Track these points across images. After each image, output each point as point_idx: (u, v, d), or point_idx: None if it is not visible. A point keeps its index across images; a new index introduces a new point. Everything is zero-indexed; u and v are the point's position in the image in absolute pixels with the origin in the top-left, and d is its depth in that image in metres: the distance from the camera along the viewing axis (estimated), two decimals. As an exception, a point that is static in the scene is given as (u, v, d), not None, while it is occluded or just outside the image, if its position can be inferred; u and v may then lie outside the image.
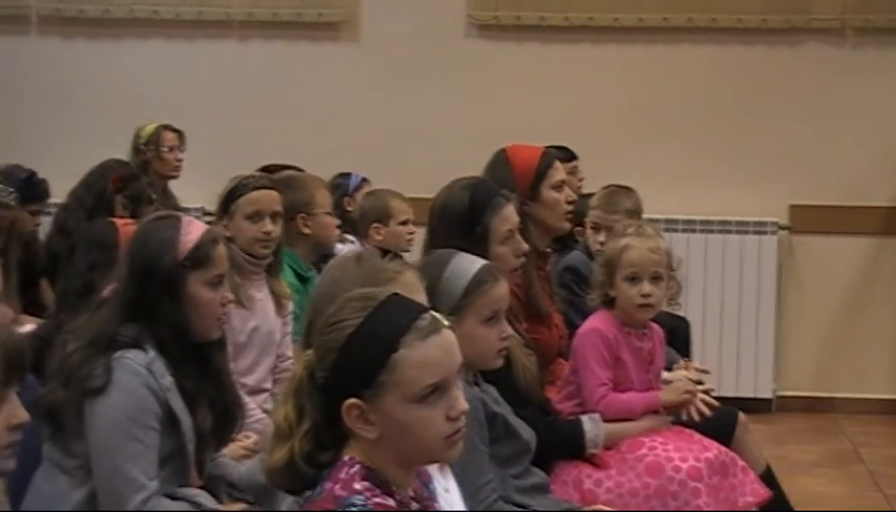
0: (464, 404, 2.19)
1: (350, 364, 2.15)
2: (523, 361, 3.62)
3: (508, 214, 3.92)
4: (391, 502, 2.14)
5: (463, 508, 2.81)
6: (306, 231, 4.74)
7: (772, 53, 7.35)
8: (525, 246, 3.95)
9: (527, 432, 3.39)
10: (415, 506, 2.21)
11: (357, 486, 2.13)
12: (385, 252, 2.95)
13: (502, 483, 3.26)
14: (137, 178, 5.71)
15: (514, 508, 3.26)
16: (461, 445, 2.22)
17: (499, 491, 3.21)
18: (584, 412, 3.83)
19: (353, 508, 2.09)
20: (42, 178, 5.61)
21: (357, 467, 2.16)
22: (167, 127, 6.81)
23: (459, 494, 2.84)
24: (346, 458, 2.18)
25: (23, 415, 2.25)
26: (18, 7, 7.71)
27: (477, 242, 3.78)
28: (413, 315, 2.18)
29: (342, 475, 2.15)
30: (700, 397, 3.93)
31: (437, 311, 2.27)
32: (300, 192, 4.76)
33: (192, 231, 3.25)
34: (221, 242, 3.33)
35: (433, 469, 2.67)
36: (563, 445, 3.76)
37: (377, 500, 2.12)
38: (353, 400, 2.13)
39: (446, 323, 2.21)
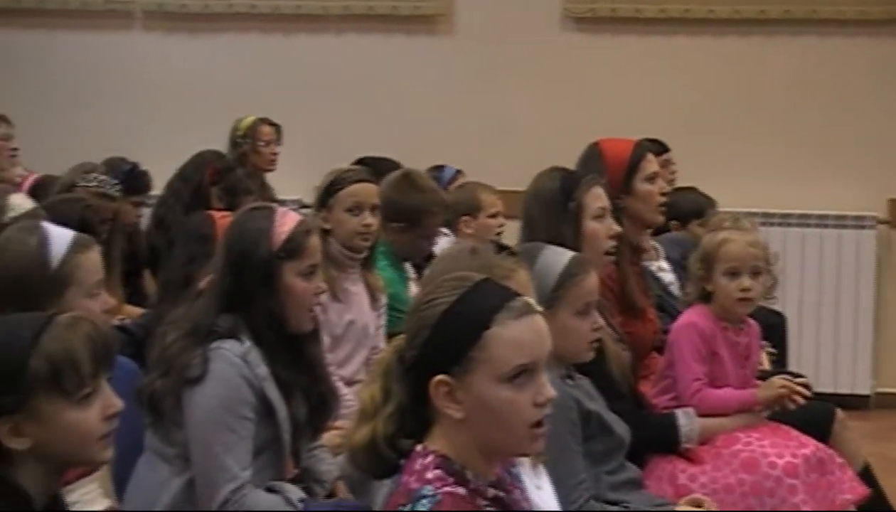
0: (551, 392, 2.19)
1: (442, 339, 2.18)
2: (616, 353, 3.62)
3: (600, 193, 3.94)
4: (462, 491, 2.15)
5: (556, 507, 2.82)
6: (401, 238, 4.74)
7: (872, 45, 7.22)
8: (617, 227, 3.95)
9: (621, 428, 3.38)
10: (492, 493, 2.22)
11: (429, 475, 2.15)
12: (502, 248, 2.96)
13: (595, 481, 3.26)
14: (233, 170, 5.76)
15: (607, 508, 3.26)
16: (543, 442, 2.23)
17: (591, 491, 3.21)
18: (678, 407, 3.82)
19: (423, 501, 2.11)
20: (144, 170, 5.69)
21: (430, 458, 2.18)
22: (264, 121, 6.88)
23: (553, 492, 2.85)
24: (419, 448, 2.20)
25: (117, 403, 2.29)
26: (123, 3, 7.84)
27: (570, 219, 3.81)
28: (506, 296, 2.21)
29: (416, 466, 2.18)
30: (796, 389, 3.89)
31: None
32: (416, 203, 4.74)
33: (286, 222, 3.28)
34: (314, 233, 3.36)
35: (525, 467, 2.69)
36: (657, 439, 3.75)
37: (447, 489, 2.13)
38: (441, 376, 2.16)
39: (538, 308, 2.23)
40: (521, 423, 2.17)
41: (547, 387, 2.19)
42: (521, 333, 2.17)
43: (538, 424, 2.18)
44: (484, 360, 2.15)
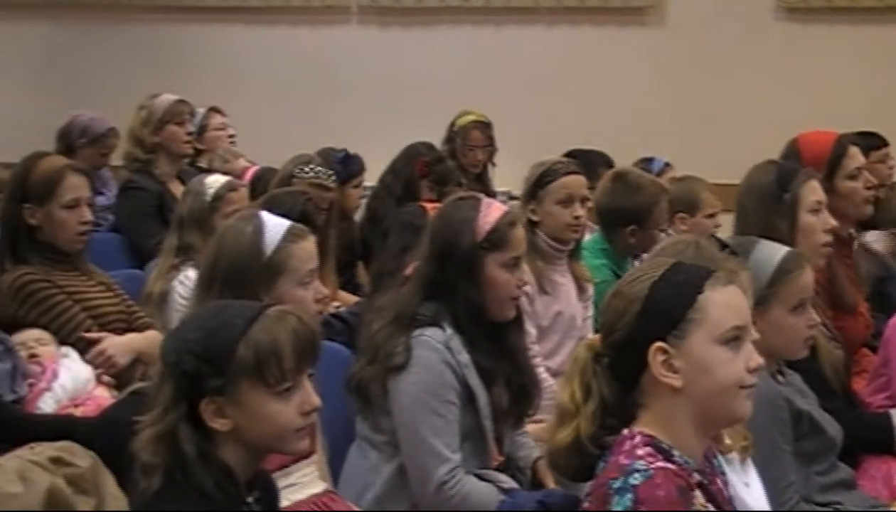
0: (759, 359, 2.25)
1: (658, 307, 2.23)
2: (828, 350, 3.56)
3: (816, 186, 3.86)
4: (674, 467, 2.17)
5: (766, 506, 2.79)
6: (630, 241, 4.65)
7: None
8: (833, 222, 3.86)
9: (833, 427, 3.31)
10: (697, 478, 2.22)
11: (640, 451, 2.18)
12: (723, 245, 2.94)
13: (806, 482, 3.20)
14: (442, 161, 5.82)
15: (817, 510, 3.20)
16: (751, 405, 2.27)
17: (801, 492, 3.16)
18: (893, 406, 3.72)
19: (636, 474, 2.13)
20: (355, 153, 5.80)
21: (639, 438, 2.21)
22: (478, 124, 6.85)
23: (763, 491, 2.82)
24: (625, 432, 2.22)
25: (315, 401, 2.35)
26: (340, -2, 8.05)
27: (785, 212, 3.76)
28: (711, 267, 2.30)
29: (625, 447, 2.20)
30: None
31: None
32: (640, 203, 4.65)
33: (491, 213, 3.30)
34: (519, 225, 3.37)
35: (734, 464, 2.67)
36: (871, 440, 3.66)
37: (660, 464, 2.15)
38: (659, 344, 2.21)
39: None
40: (736, 383, 2.23)
41: (755, 353, 2.26)
42: (732, 297, 2.25)
43: (750, 386, 2.24)
44: (701, 321, 2.21)
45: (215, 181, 4.51)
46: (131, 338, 3.94)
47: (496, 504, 3.18)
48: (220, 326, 2.29)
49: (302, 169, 5.03)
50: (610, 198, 4.65)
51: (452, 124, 6.84)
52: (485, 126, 6.83)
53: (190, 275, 4.26)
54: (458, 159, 6.74)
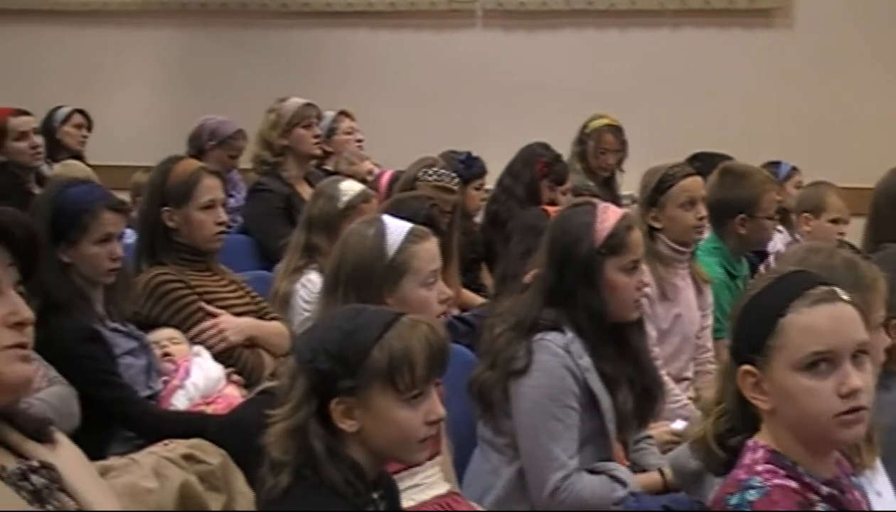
0: (855, 382, 2.14)
1: (743, 329, 2.21)
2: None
3: None
4: (793, 484, 2.14)
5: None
6: (741, 232, 4.66)
7: None
8: None
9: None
10: (826, 490, 2.19)
11: (759, 468, 2.16)
12: (856, 251, 2.89)
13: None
14: (559, 160, 5.82)
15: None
16: (861, 428, 2.17)
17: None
18: None
19: (751, 491, 2.12)
20: (477, 156, 5.84)
21: (761, 452, 2.19)
22: (611, 128, 6.82)
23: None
24: (749, 443, 2.21)
25: (440, 411, 2.38)
26: (466, 2, 8.08)
27: None
28: (807, 284, 2.19)
29: (746, 460, 2.19)
30: None
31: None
32: (747, 191, 4.66)
33: (608, 218, 3.30)
34: (636, 228, 3.37)
35: (864, 473, 2.63)
36: None
37: (777, 481, 2.13)
38: (747, 367, 2.18)
39: (846, 297, 2.19)
40: (823, 411, 2.14)
41: (852, 377, 2.14)
42: (816, 320, 2.14)
43: (848, 412, 2.14)
44: (780, 347, 2.15)
45: (350, 188, 4.52)
46: (247, 320, 4.02)
47: (611, 493, 3.20)
48: (356, 328, 2.33)
49: (426, 172, 5.06)
50: (718, 190, 4.65)
51: (585, 126, 6.81)
52: (617, 130, 6.78)
53: (312, 279, 4.32)
54: (588, 162, 6.72)
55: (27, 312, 1.95)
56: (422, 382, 2.33)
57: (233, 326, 3.95)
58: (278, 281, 4.44)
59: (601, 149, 6.75)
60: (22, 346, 1.93)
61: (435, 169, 5.11)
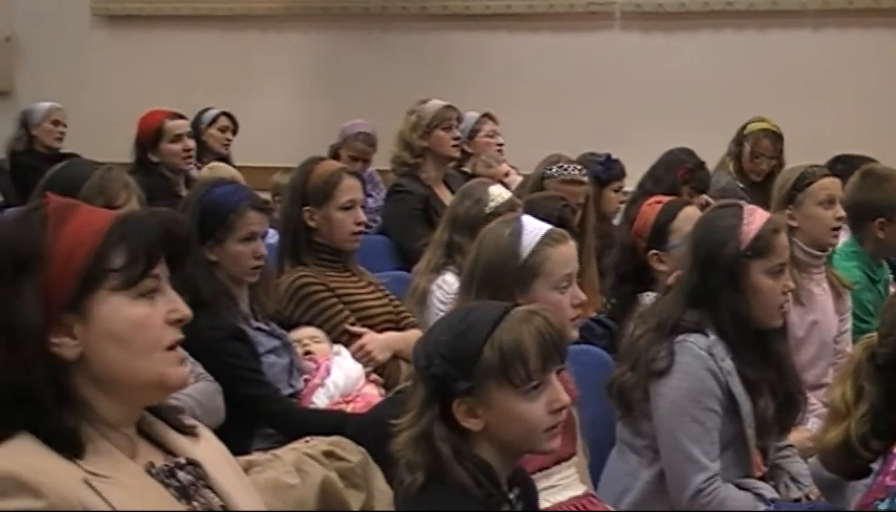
0: None
1: None
2: None
3: None
4: None
5: None
6: (880, 236, 4.56)
7: None
8: None
9: None
10: None
11: None
12: None
13: None
14: (702, 167, 5.77)
15: None
16: None
17: None
18: None
19: None
20: (616, 158, 5.83)
21: None
22: (769, 133, 6.67)
23: None
24: (894, 450, 2.18)
25: (564, 398, 2.37)
26: (604, 4, 8.06)
27: None
28: None
29: (893, 466, 2.16)
30: None
31: None
32: (888, 194, 4.56)
33: (755, 220, 3.27)
34: (783, 231, 3.33)
35: None
36: None
37: None
38: None
39: None
40: None
41: None
42: None
43: None
44: None
45: (499, 195, 4.49)
46: (390, 336, 4.07)
47: (755, 509, 3.16)
48: (466, 328, 2.34)
49: (551, 168, 5.06)
50: (858, 192, 4.57)
51: (744, 128, 6.70)
52: (776, 137, 6.63)
53: (448, 280, 4.34)
54: (742, 163, 6.64)
55: (186, 310, 1.98)
56: (538, 374, 2.32)
57: (378, 344, 4.00)
58: (418, 277, 4.46)
59: (756, 153, 6.65)
60: (180, 344, 1.97)
61: (560, 164, 5.09)
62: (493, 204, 4.43)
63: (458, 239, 4.38)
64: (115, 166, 3.85)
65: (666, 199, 4.29)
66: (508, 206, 4.42)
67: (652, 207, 4.09)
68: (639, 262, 4.05)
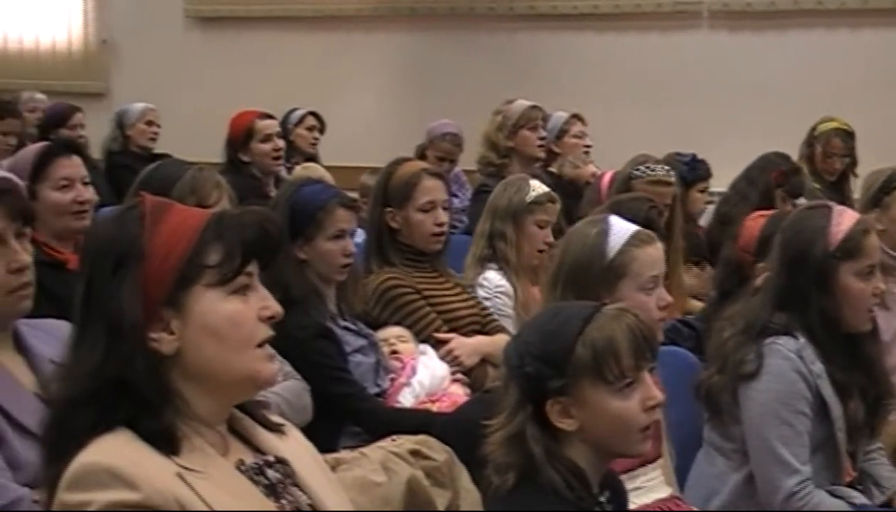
0: None
1: None
2: None
3: None
4: None
5: None
6: None
7: None
8: None
9: None
10: None
11: None
12: None
13: None
14: (798, 172, 5.72)
15: None
16: None
17: None
18: None
19: None
20: (702, 158, 5.79)
21: None
22: (840, 132, 6.62)
23: None
24: None
25: (657, 395, 2.37)
26: (691, 3, 8.01)
27: None
28: None
29: None
30: None
31: None
32: None
33: (844, 221, 3.24)
34: (872, 232, 3.30)
35: None
36: None
37: None
38: None
39: None
40: None
41: None
42: None
43: None
44: None
45: (539, 186, 4.58)
46: (478, 340, 4.07)
47: None
48: (557, 327, 2.34)
49: (639, 169, 5.04)
50: None
51: (814, 129, 6.65)
52: (847, 135, 6.57)
53: (489, 276, 4.39)
54: (815, 164, 6.58)
55: (277, 307, 2.01)
56: (631, 371, 2.32)
57: (467, 349, 4.01)
58: (467, 270, 4.48)
59: (828, 152, 6.58)
60: (268, 341, 2.00)
61: (648, 164, 5.06)
62: (533, 194, 4.50)
63: (499, 226, 4.44)
64: (206, 166, 3.91)
65: (767, 212, 4.23)
66: (548, 198, 4.52)
67: (755, 221, 4.03)
68: (744, 277, 3.98)
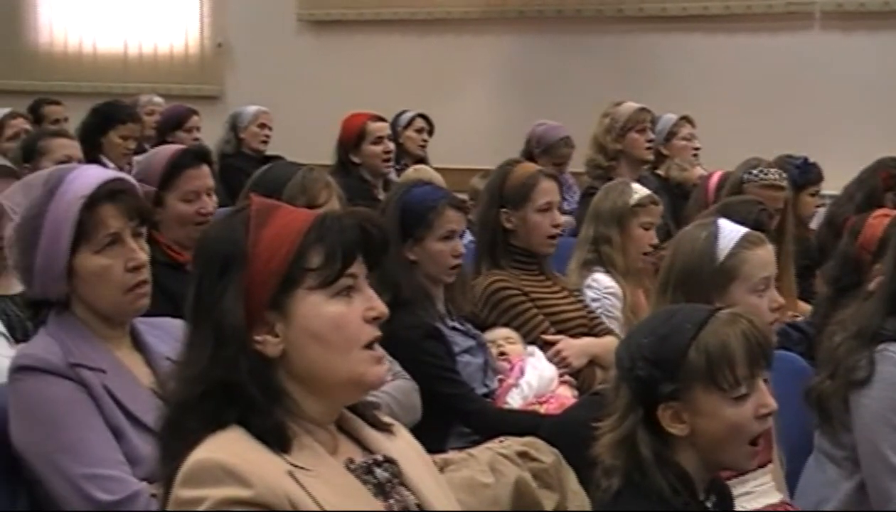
0: None
1: None
2: None
3: None
4: None
5: None
6: None
7: None
8: None
9: None
10: None
11: None
12: None
13: None
14: (904, 174, 5.62)
15: None
16: None
17: None
18: None
19: None
20: (814, 162, 5.72)
21: None
22: None
23: None
24: None
25: (771, 403, 2.35)
26: (803, 4, 7.92)
27: None
28: None
29: None
30: None
31: None
32: None
33: None
34: None
35: None
36: None
37: None
38: None
39: None
40: None
41: None
42: None
43: None
44: None
45: (640, 188, 4.61)
46: (587, 342, 4.07)
47: None
48: (671, 330, 2.33)
49: (751, 172, 4.99)
50: None
51: None
52: None
53: (598, 278, 4.39)
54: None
55: (383, 308, 2.01)
56: (746, 379, 2.31)
57: (575, 350, 4.02)
58: (570, 275, 4.47)
59: None
60: (377, 342, 2.01)
61: (760, 168, 5.02)
62: (636, 196, 4.51)
63: (603, 230, 4.45)
64: (316, 167, 3.96)
65: (893, 211, 4.16)
66: (650, 200, 4.53)
67: (880, 220, 3.96)
68: (861, 276, 3.92)
